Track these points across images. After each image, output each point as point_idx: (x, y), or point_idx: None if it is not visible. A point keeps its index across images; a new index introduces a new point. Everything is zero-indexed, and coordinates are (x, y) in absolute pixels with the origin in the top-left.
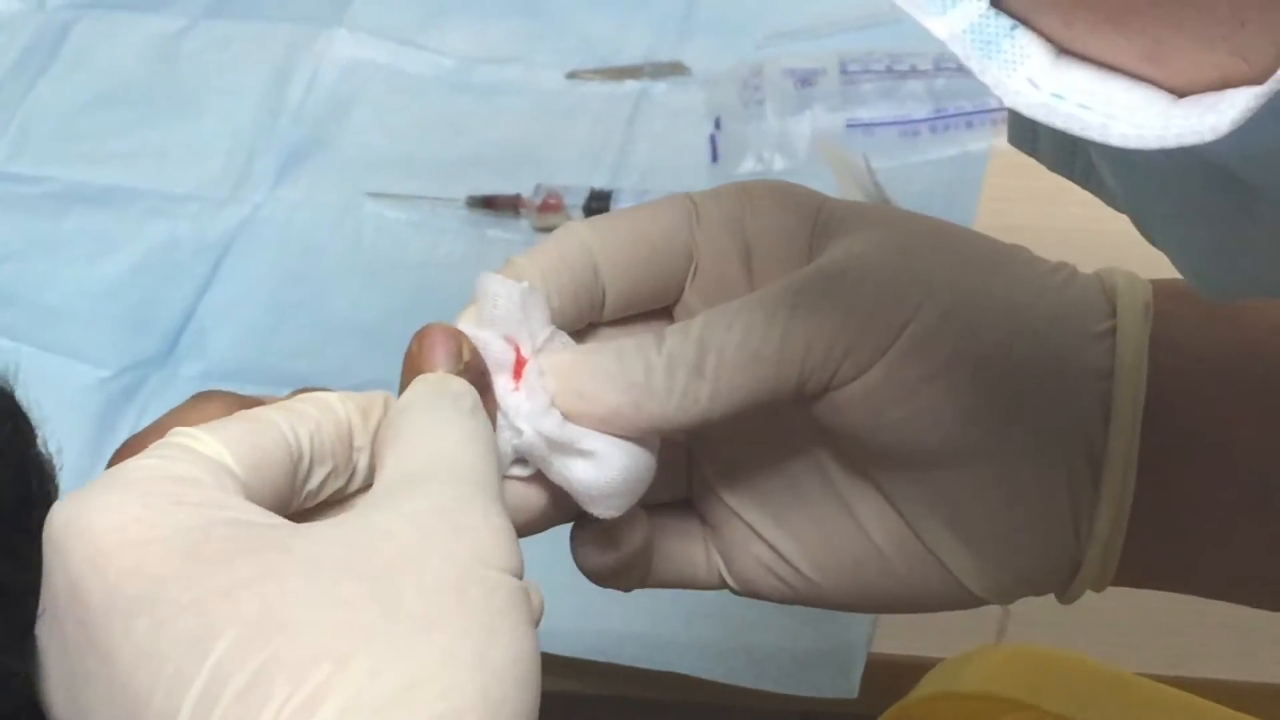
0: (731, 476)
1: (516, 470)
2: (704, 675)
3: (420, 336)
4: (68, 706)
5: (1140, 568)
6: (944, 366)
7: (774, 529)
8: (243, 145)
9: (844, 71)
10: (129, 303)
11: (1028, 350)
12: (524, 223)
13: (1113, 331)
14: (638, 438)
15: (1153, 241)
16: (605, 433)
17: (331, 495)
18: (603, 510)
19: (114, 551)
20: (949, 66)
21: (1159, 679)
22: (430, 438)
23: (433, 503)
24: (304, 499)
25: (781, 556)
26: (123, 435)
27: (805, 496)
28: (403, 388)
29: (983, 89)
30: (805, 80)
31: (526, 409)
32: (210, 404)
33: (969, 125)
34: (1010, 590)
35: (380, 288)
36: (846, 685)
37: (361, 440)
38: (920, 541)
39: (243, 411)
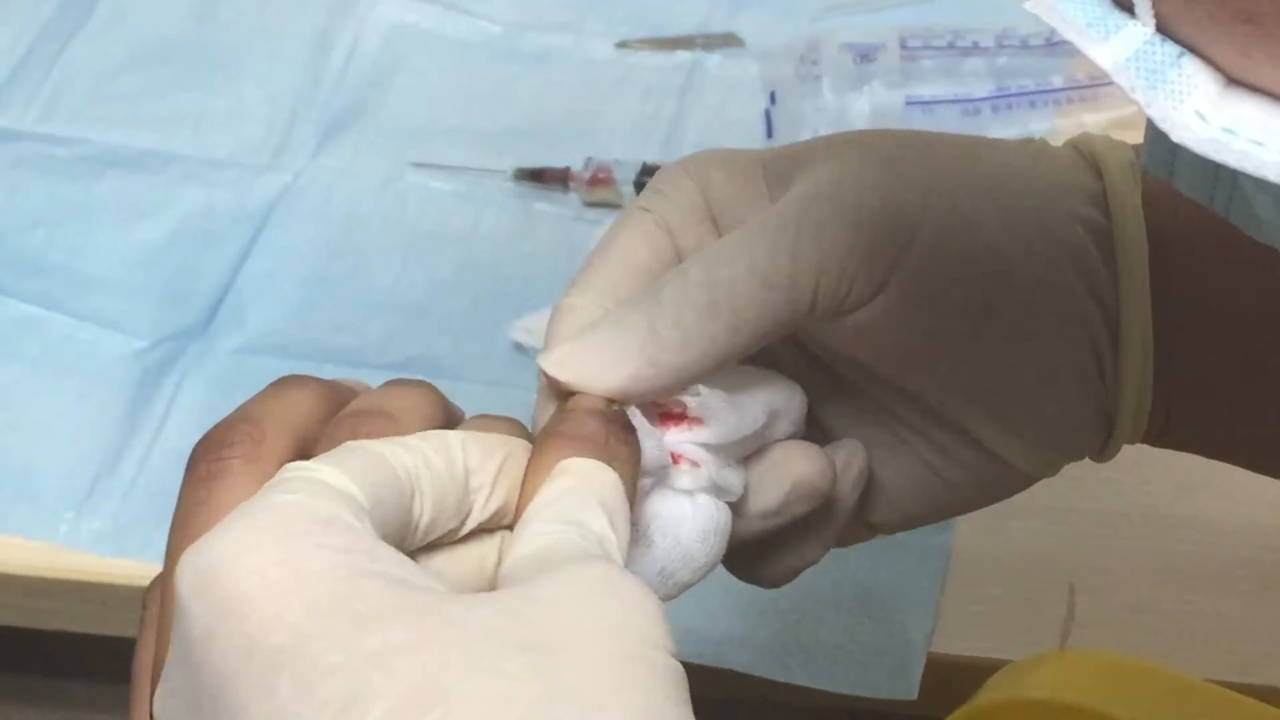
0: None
1: (725, 501)
2: (758, 673)
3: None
4: None
5: (1158, 428)
6: (957, 278)
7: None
8: (283, 111)
9: (904, 47)
10: (166, 272)
11: (1027, 232)
12: (573, 196)
13: (1103, 195)
14: (719, 387)
15: None
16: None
17: (443, 537)
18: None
19: (256, 596)
20: (1012, 44)
21: (1227, 686)
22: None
23: (598, 572)
24: (416, 539)
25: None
26: (159, 408)
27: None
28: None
29: (1045, 68)
30: (865, 55)
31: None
32: (297, 391)
33: (1032, 105)
34: (1054, 463)
35: (424, 261)
36: (906, 686)
37: (480, 480)
38: (962, 430)
39: (352, 444)
